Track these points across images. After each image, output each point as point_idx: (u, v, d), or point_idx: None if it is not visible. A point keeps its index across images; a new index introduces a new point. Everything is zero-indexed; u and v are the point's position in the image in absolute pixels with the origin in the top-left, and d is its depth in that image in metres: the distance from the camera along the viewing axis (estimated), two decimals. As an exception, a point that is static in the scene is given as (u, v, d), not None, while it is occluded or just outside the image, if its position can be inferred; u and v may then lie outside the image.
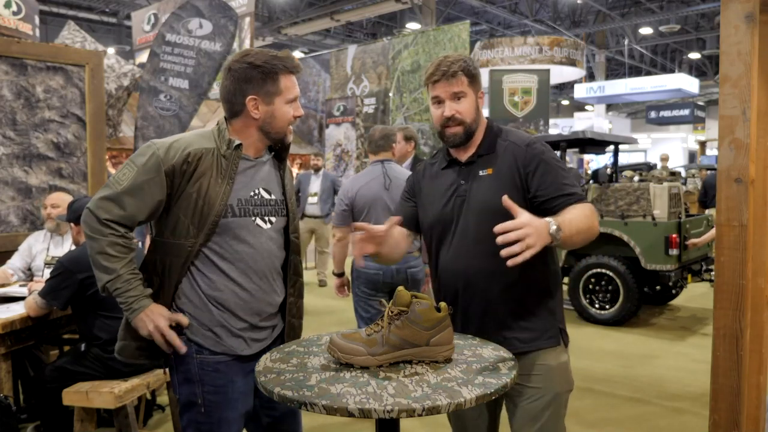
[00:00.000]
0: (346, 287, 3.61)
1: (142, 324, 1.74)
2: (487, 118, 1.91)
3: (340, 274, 3.56)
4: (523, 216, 1.49)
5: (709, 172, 12.23)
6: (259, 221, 1.85)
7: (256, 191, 1.86)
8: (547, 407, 1.81)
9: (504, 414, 1.95)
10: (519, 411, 1.84)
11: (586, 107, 26.84)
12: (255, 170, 1.87)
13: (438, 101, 1.83)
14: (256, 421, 2.00)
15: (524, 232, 1.44)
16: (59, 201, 3.61)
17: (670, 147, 24.62)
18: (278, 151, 1.95)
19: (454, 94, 1.80)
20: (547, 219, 1.54)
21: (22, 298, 3.07)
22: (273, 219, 1.89)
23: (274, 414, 2.00)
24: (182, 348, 1.78)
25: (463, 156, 1.87)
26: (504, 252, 1.45)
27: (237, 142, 1.81)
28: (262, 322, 1.88)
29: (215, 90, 11.34)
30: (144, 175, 1.72)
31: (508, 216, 1.62)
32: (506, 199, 1.53)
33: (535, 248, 1.46)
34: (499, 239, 1.46)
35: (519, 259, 1.45)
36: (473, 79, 1.83)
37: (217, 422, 1.82)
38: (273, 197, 1.90)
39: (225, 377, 1.81)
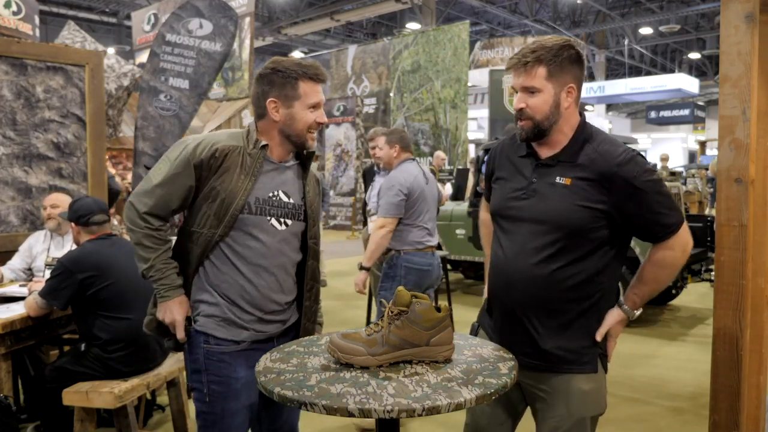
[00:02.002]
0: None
1: (163, 311, 1.90)
2: (581, 113, 1.73)
3: (368, 269, 3.45)
4: (611, 338, 1.75)
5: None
6: (273, 221, 1.91)
7: (275, 193, 1.92)
8: (572, 428, 1.70)
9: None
10: (544, 425, 1.75)
11: (586, 107, 26.81)
12: (277, 173, 1.94)
13: (515, 90, 1.70)
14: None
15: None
16: (59, 201, 3.61)
17: (670, 147, 24.62)
18: (303, 158, 2.02)
19: (525, 88, 1.66)
20: (625, 311, 1.72)
21: (22, 298, 3.07)
22: (289, 221, 1.95)
23: (273, 426, 2.07)
24: (183, 338, 1.92)
25: (543, 153, 1.72)
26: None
27: (263, 142, 1.90)
28: (267, 316, 1.93)
29: (215, 90, 11.36)
30: (175, 168, 1.84)
31: (571, 231, 1.64)
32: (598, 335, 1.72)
33: None
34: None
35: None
36: (557, 71, 1.63)
37: (220, 412, 1.89)
38: (291, 201, 1.96)
39: (229, 367, 1.88)
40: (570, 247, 1.65)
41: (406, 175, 3.45)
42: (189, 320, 1.92)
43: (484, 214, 2.05)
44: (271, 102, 1.87)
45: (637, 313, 1.73)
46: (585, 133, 1.70)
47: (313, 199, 2.04)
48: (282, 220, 1.93)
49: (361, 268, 3.46)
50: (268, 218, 1.90)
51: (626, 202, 1.62)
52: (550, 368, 1.70)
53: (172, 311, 1.88)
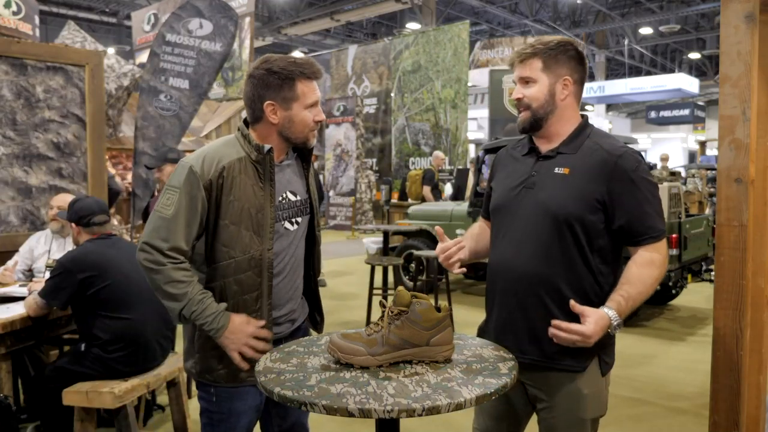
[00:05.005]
0: None
1: (230, 343, 1.76)
2: (583, 115, 1.79)
3: None
4: (588, 326, 1.52)
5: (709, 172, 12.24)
6: (287, 224, 1.89)
7: (284, 195, 1.89)
8: (572, 428, 1.71)
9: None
10: (544, 425, 1.76)
11: (586, 107, 26.81)
12: (281, 175, 1.89)
13: (516, 83, 1.79)
14: (268, 429, 2.07)
15: (577, 339, 1.53)
16: (66, 204, 3.60)
17: (670, 147, 24.61)
18: (302, 152, 1.97)
19: (522, 79, 1.74)
20: (610, 317, 1.55)
21: (22, 298, 3.07)
22: (299, 219, 1.94)
23: (284, 424, 2.06)
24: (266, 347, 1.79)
25: (544, 147, 1.77)
26: (554, 338, 1.56)
27: (268, 146, 1.81)
28: (280, 318, 1.92)
29: (215, 90, 11.36)
30: (187, 194, 1.74)
31: (568, 220, 1.65)
32: (574, 305, 1.56)
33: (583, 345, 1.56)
34: (551, 331, 1.55)
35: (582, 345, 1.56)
36: (552, 64, 1.71)
37: (227, 412, 1.87)
38: (298, 198, 1.94)
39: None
40: (568, 237, 1.66)
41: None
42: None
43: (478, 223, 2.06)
44: (268, 105, 1.79)
45: (616, 323, 1.56)
46: (587, 129, 1.75)
47: (314, 190, 2.04)
48: (294, 220, 1.92)
49: None
50: (282, 222, 1.87)
51: (620, 193, 1.63)
52: (549, 366, 1.70)
53: (239, 336, 1.74)
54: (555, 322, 1.55)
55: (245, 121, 1.89)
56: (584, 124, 1.76)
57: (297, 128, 1.83)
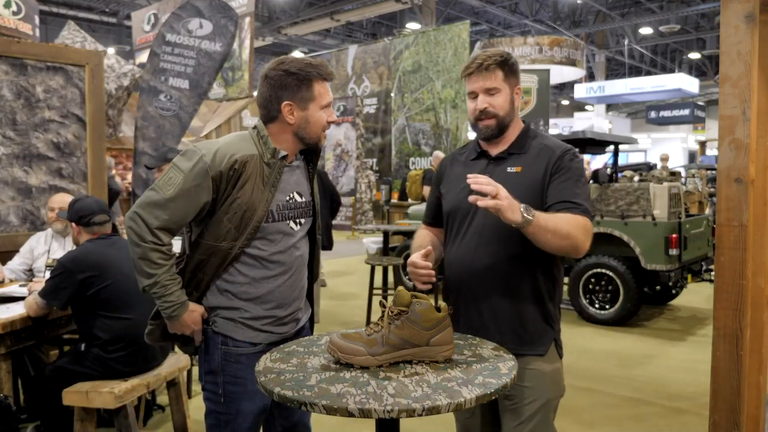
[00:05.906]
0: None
1: (177, 327, 1.89)
2: (523, 120, 1.94)
3: None
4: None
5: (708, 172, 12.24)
6: (292, 224, 1.94)
7: (291, 195, 1.94)
8: (537, 412, 1.82)
9: None
10: (509, 413, 1.85)
11: (586, 107, 26.83)
12: (290, 175, 1.94)
13: (473, 95, 1.86)
14: (271, 429, 2.09)
15: (497, 190, 1.54)
16: (65, 204, 3.60)
17: (670, 147, 24.60)
18: (310, 155, 2.01)
19: (487, 90, 1.83)
20: (523, 207, 1.61)
21: (22, 298, 3.07)
22: (302, 220, 1.99)
23: (286, 424, 2.08)
24: (200, 342, 1.94)
25: (494, 150, 1.89)
26: (472, 198, 1.55)
27: (283, 153, 1.87)
28: (286, 318, 1.97)
29: (215, 90, 11.34)
30: (192, 180, 1.77)
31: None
32: (469, 176, 1.60)
33: (500, 210, 1.54)
34: (470, 181, 1.58)
35: (485, 204, 1.53)
36: (509, 74, 1.84)
37: (234, 413, 1.90)
38: (304, 200, 1.98)
39: (245, 369, 1.87)
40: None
41: None
42: (206, 321, 1.91)
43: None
44: (285, 105, 1.83)
45: (524, 207, 1.59)
46: (531, 132, 1.92)
47: (316, 192, 2.07)
48: (298, 220, 1.96)
49: None
50: (288, 222, 1.92)
51: (555, 178, 1.78)
52: (514, 353, 1.73)
53: (188, 325, 1.88)
54: (470, 176, 1.59)
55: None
56: (527, 127, 1.92)
57: (312, 128, 1.88)
